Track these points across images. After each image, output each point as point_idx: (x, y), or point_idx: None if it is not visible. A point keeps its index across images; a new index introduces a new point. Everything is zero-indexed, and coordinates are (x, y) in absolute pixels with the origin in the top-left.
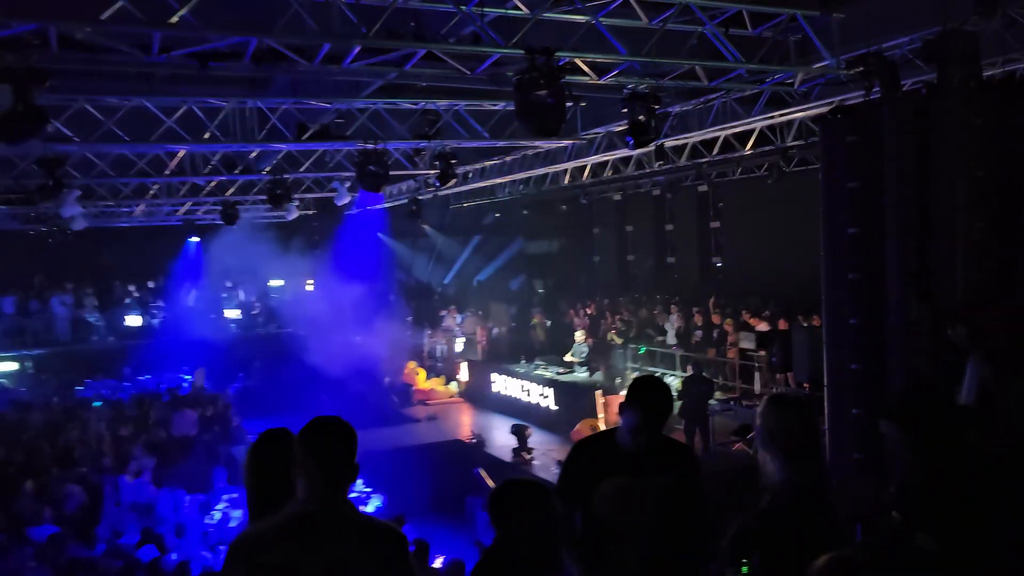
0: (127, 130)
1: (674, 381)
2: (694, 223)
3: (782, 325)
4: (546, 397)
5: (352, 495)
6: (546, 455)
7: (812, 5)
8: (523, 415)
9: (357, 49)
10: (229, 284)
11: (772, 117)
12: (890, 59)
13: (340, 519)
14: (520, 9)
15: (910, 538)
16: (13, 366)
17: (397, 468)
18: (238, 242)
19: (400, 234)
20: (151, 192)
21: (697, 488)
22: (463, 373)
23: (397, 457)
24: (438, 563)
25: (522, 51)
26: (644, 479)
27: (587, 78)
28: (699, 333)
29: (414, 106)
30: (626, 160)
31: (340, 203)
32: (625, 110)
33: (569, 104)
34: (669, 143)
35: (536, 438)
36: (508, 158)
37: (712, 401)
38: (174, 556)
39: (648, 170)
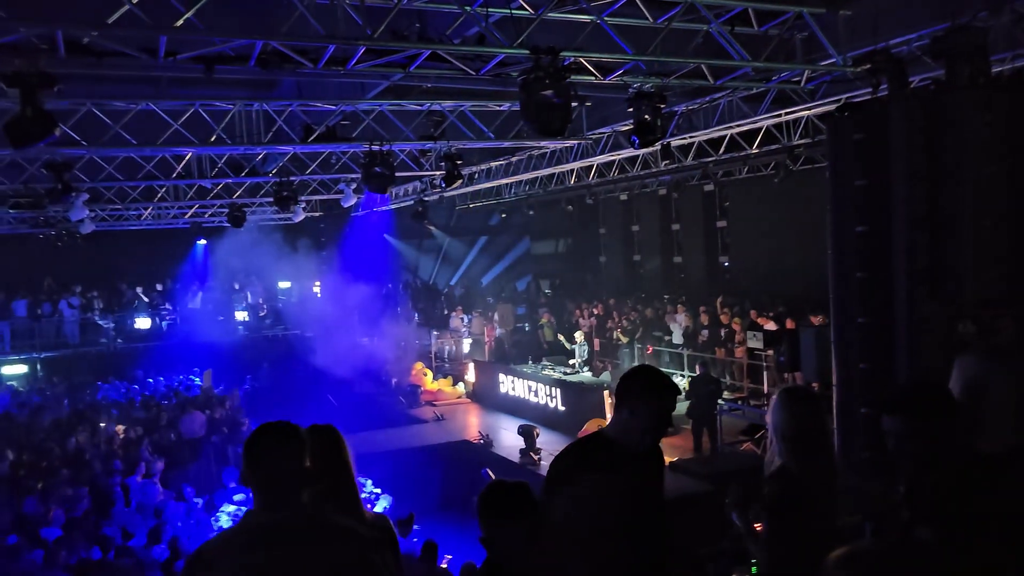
0: (134, 133)
1: (682, 381)
2: (700, 222)
3: (789, 324)
4: (553, 397)
5: (361, 495)
6: (554, 455)
7: (818, 2)
8: (531, 415)
9: (362, 50)
10: (237, 286)
11: (779, 115)
12: (897, 56)
13: (295, 524)
14: (525, 9)
15: (917, 536)
16: (23, 369)
17: (405, 469)
18: (245, 244)
19: (406, 235)
20: (158, 195)
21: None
22: (470, 374)
23: (405, 458)
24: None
25: (527, 51)
26: (648, 480)
27: (592, 78)
28: (705, 332)
29: (419, 107)
30: (632, 160)
31: (346, 205)
32: (631, 109)
33: (574, 104)
34: (675, 142)
35: (544, 438)
36: (514, 158)
37: (720, 401)
38: (183, 560)
39: (654, 169)
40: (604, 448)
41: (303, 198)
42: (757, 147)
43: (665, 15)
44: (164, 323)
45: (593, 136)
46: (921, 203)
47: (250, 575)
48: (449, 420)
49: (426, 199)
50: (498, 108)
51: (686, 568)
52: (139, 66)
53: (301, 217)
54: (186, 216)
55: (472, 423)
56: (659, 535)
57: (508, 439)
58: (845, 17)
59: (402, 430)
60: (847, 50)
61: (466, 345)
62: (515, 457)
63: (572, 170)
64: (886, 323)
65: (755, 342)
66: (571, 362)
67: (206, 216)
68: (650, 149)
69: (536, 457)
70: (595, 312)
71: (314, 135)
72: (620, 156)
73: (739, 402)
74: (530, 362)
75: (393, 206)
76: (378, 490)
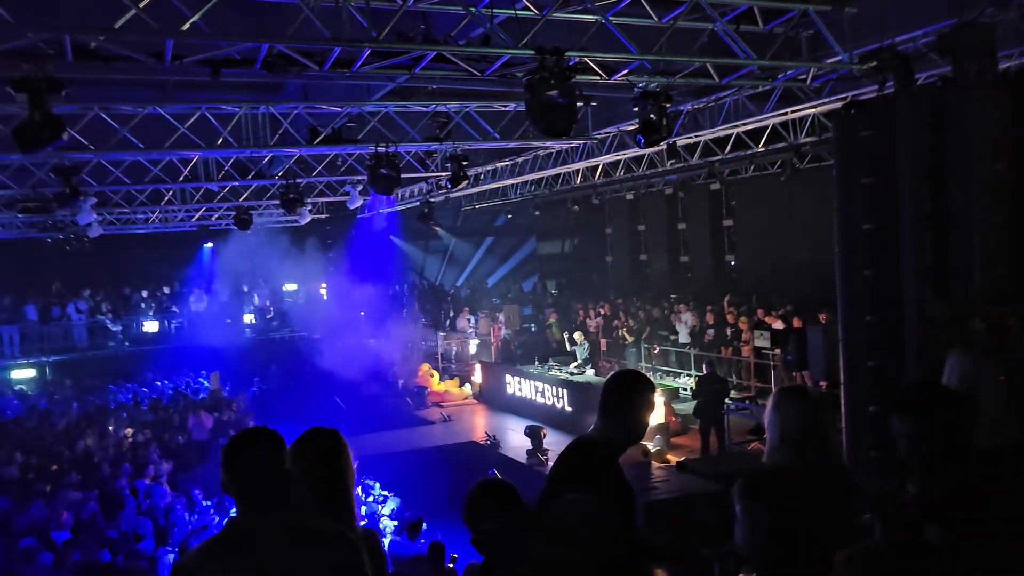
0: (141, 137)
1: (688, 380)
2: (707, 221)
3: (797, 323)
4: (560, 398)
5: (369, 498)
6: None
7: (824, 0)
8: (538, 416)
9: (367, 52)
10: (246, 288)
11: (785, 113)
12: (904, 53)
13: (276, 530)
14: (530, 10)
15: (926, 536)
16: (31, 373)
17: (412, 470)
18: (252, 247)
19: (412, 236)
20: (165, 198)
21: None
22: (477, 375)
23: (412, 459)
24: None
25: (532, 52)
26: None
27: (597, 77)
28: (712, 332)
29: (425, 108)
30: (638, 159)
31: (352, 206)
32: (636, 109)
33: (579, 104)
34: (681, 141)
35: (551, 439)
36: (519, 159)
37: (727, 400)
38: None
39: (660, 169)
40: (598, 455)
41: (309, 200)
42: (763, 145)
43: (670, 14)
44: (172, 326)
45: (599, 136)
46: (928, 201)
47: None
48: (456, 421)
49: (432, 200)
50: (503, 109)
51: (693, 568)
52: (146, 70)
53: (307, 219)
54: (193, 219)
55: (479, 424)
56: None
57: (515, 440)
58: (851, 14)
59: (409, 431)
60: (853, 48)
61: (472, 346)
62: (522, 458)
63: (578, 170)
64: (894, 321)
65: (762, 341)
66: (572, 365)
67: (213, 219)
68: (656, 148)
69: (543, 457)
70: (602, 312)
71: (320, 137)
72: (626, 156)
73: (747, 401)
74: (536, 362)
75: (399, 207)
76: (386, 492)
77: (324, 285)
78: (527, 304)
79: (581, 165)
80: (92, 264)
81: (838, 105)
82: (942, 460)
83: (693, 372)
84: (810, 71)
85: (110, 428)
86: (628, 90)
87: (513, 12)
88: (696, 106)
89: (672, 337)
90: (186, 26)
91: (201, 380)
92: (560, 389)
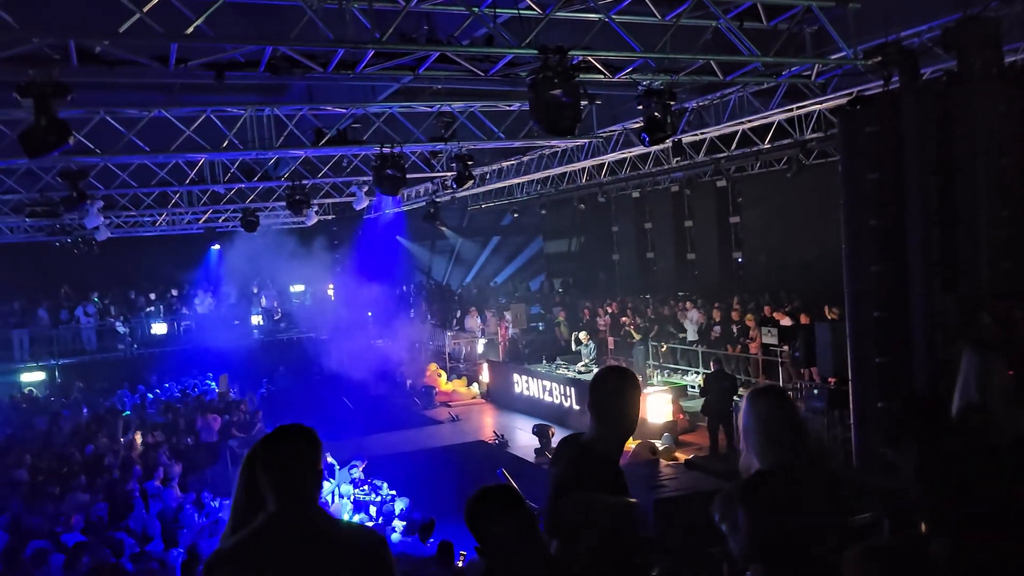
0: (147, 140)
1: (696, 378)
2: (714, 218)
3: (804, 319)
4: (568, 396)
5: (377, 498)
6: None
7: None
8: (546, 415)
9: (371, 54)
10: (255, 290)
11: (790, 110)
12: (908, 48)
13: (308, 528)
14: (533, 9)
15: (936, 549)
16: (41, 376)
17: (421, 470)
18: (259, 248)
19: (419, 236)
20: (172, 201)
21: None
22: (484, 374)
23: (420, 459)
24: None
25: (535, 51)
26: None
27: (601, 76)
28: (718, 329)
29: (430, 109)
30: (644, 157)
31: (358, 207)
32: (640, 107)
33: (584, 103)
34: (686, 139)
35: (559, 437)
36: (525, 158)
37: (735, 397)
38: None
39: (666, 166)
40: (600, 461)
41: (315, 201)
42: (769, 142)
43: (673, 12)
44: (181, 328)
45: (604, 134)
46: (935, 195)
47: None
48: (464, 421)
49: (438, 200)
50: (508, 108)
51: (700, 567)
52: (151, 74)
53: (314, 220)
54: (200, 221)
55: (487, 423)
56: None
57: (523, 439)
58: (855, 10)
59: (417, 431)
60: (858, 43)
61: (480, 345)
62: (530, 457)
63: (583, 168)
64: (902, 317)
65: (770, 338)
66: (579, 364)
67: (220, 221)
68: (661, 146)
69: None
70: (609, 310)
71: (325, 138)
72: (631, 153)
73: None
74: (544, 361)
75: (405, 208)
76: (393, 492)
77: (331, 286)
78: (534, 303)
79: (587, 163)
80: (100, 267)
81: (843, 101)
82: (942, 477)
83: (701, 369)
84: (814, 67)
85: (119, 430)
86: (632, 88)
87: (516, 12)
88: (701, 103)
89: (680, 335)
90: (190, 30)
91: (209, 382)
92: (568, 388)
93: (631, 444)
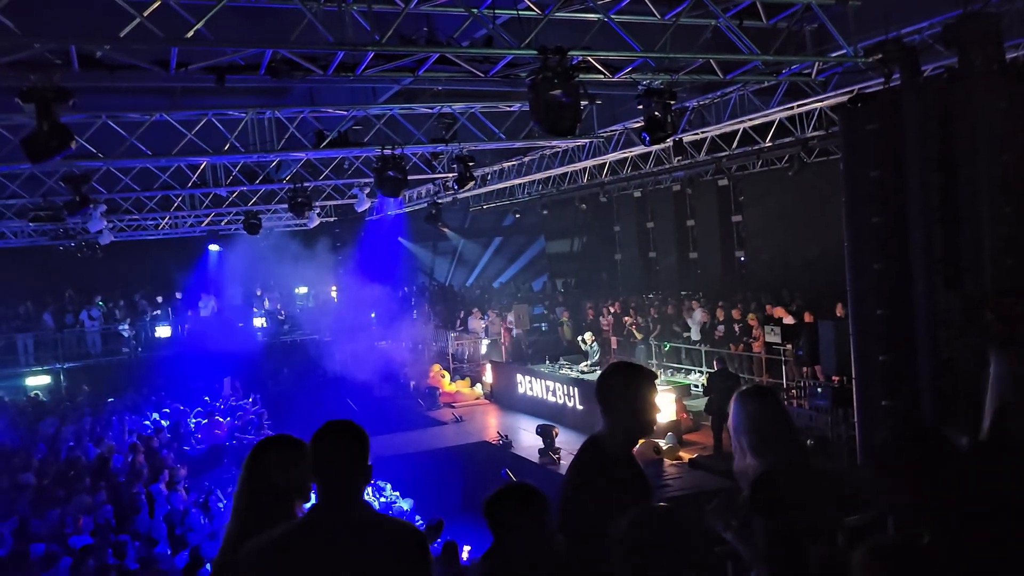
0: (149, 144)
1: (700, 377)
2: (716, 217)
3: (807, 318)
4: (572, 397)
5: (381, 499)
6: (573, 455)
7: None
8: (549, 415)
9: (371, 56)
10: (259, 292)
11: (791, 108)
12: (909, 45)
13: (353, 522)
14: (532, 10)
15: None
16: (46, 380)
17: (425, 471)
18: (262, 251)
19: (421, 238)
20: (175, 204)
21: None
22: (488, 375)
23: (424, 460)
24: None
25: (535, 51)
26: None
27: (601, 76)
28: (722, 328)
29: (430, 110)
30: (645, 156)
31: (360, 209)
32: (640, 107)
33: (584, 103)
34: (687, 138)
35: (562, 438)
36: (526, 158)
37: None
38: (208, 567)
39: (667, 166)
40: (615, 454)
41: (317, 203)
42: (770, 140)
43: (672, 11)
44: (185, 330)
45: (604, 134)
46: (936, 192)
47: (308, 571)
48: (468, 421)
49: (439, 201)
50: (508, 109)
51: (704, 567)
52: (152, 78)
53: (316, 222)
54: (203, 224)
55: (491, 424)
56: None
57: (527, 439)
58: (855, 7)
59: (421, 432)
60: (858, 40)
61: (483, 346)
62: (534, 457)
63: (585, 168)
64: (905, 314)
65: (773, 336)
66: (583, 364)
67: (222, 224)
68: (662, 145)
69: (555, 457)
70: (612, 310)
71: (326, 141)
72: (632, 153)
73: None
74: (547, 361)
75: (407, 209)
76: (396, 493)
77: (334, 288)
78: (537, 303)
79: (588, 163)
80: (104, 271)
81: (844, 99)
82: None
83: (704, 369)
84: (815, 65)
85: (126, 434)
86: (632, 88)
87: (515, 12)
88: (701, 102)
89: (684, 334)
90: (190, 34)
91: (214, 385)
92: (571, 388)
93: None
